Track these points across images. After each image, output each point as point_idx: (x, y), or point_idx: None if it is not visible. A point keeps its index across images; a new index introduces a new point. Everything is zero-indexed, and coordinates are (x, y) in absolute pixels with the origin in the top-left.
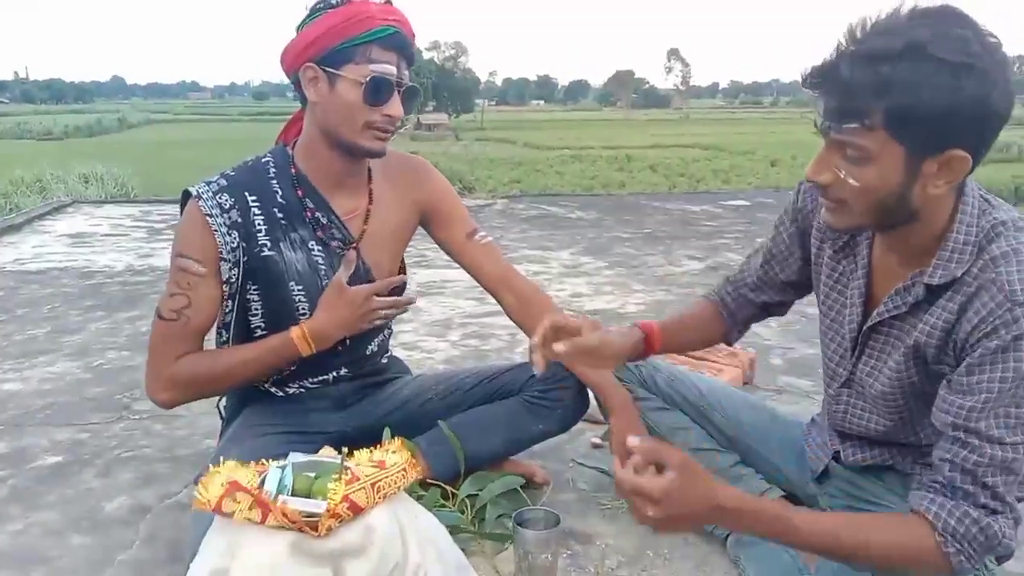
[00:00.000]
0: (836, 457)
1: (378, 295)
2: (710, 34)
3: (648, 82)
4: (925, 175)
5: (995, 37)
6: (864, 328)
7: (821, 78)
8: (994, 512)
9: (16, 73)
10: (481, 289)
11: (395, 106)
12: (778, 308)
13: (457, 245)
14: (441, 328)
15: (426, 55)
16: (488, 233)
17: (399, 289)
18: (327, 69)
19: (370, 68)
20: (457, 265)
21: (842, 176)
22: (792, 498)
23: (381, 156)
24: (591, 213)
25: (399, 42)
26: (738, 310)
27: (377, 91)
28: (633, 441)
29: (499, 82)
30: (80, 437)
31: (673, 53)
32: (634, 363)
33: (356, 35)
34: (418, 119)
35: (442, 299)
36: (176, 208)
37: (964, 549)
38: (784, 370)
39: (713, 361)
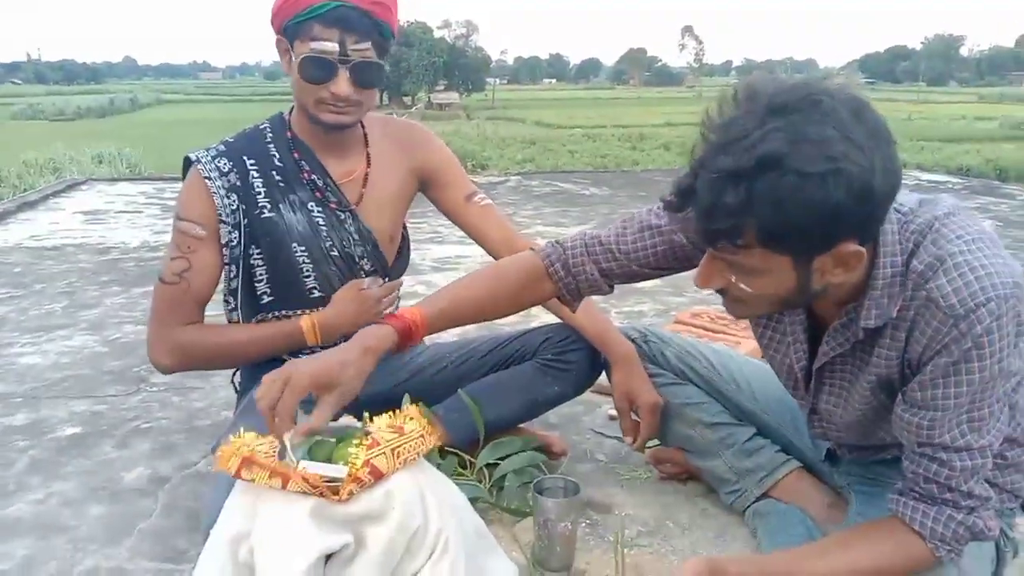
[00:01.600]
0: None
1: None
2: (724, 12)
3: (661, 60)
4: (820, 270)
5: (861, 114)
6: (815, 368)
7: (680, 202)
8: (973, 509)
9: (28, 54)
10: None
11: (339, 84)
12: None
13: (456, 208)
14: None
15: (437, 34)
16: (487, 196)
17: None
18: (287, 44)
19: (310, 46)
20: (470, 240)
21: (734, 281)
22: (810, 469)
23: (345, 129)
24: (604, 189)
25: (341, 16)
26: (604, 275)
27: (311, 70)
28: None
29: (510, 61)
30: (98, 409)
31: (687, 30)
32: (643, 338)
33: (297, 13)
34: (429, 98)
35: (456, 274)
36: None
37: (954, 548)
38: None
39: (731, 334)
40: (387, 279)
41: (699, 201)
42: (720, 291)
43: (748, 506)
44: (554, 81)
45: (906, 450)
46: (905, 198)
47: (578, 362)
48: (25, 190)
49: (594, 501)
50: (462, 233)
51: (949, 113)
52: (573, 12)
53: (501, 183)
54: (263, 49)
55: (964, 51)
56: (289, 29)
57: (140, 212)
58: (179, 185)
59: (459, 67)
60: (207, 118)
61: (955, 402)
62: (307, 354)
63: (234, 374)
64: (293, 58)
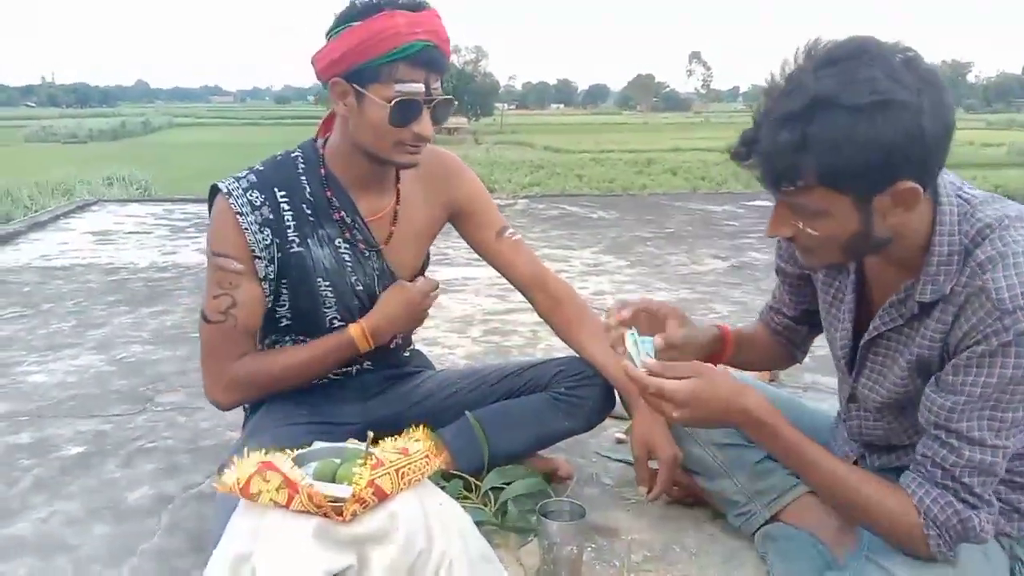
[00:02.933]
0: (861, 459)
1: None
2: (731, 38)
3: (668, 86)
4: (880, 210)
5: (911, 62)
6: (861, 344)
7: (745, 149)
8: (974, 507)
9: (43, 78)
10: (503, 286)
11: (424, 124)
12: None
13: (488, 244)
14: (462, 324)
15: None
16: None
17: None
18: (355, 86)
19: (395, 89)
20: (481, 262)
21: (801, 227)
22: None
23: (415, 166)
24: (612, 213)
25: (428, 57)
26: (790, 333)
27: (403, 113)
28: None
29: (519, 86)
30: (103, 428)
31: (695, 56)
32: None
33: (381, 54)
34: None
35: (463, 296)
36: (199, 207)
37: (942, 535)
38: (810, 367)
39: None
40: None
41: (761, 146)
42: (790, 240)
43: (756, 529)
44: (562, 106)
45: (923, 436)
46: (973, 190)
47: (591, 398)
48: (37, 211)
49: (600, 525)
50: (470, 255)
51: (957, 139)
52: (581, 38)
53: (509, 206)
54: (274, 74)
55: (971, 77)
56: (364, 71)
57: (149, 233)
58: (189, 207)
59: (468, 92)
60: (218, 141)
61: (981, 391)
62: (361, 362)
63: None
64: (365, 101)
